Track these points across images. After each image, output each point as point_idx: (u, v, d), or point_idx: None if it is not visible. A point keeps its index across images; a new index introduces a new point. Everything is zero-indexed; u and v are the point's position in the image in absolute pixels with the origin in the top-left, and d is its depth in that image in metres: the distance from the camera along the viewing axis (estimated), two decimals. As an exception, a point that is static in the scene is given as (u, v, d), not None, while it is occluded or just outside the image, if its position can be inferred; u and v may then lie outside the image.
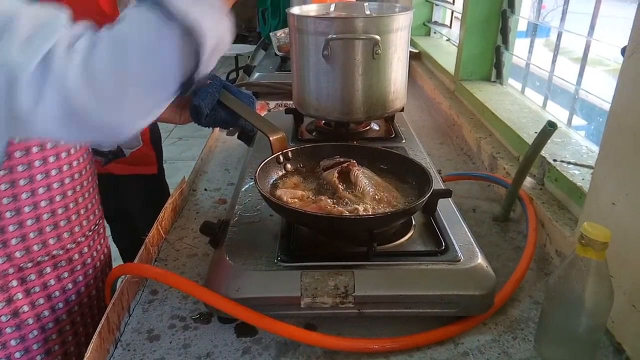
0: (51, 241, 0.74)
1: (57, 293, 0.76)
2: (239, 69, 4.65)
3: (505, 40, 1.57)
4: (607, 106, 1.20)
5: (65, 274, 0.78)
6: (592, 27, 1.13)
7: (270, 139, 0.91)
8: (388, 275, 0.72)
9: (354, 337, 0.73)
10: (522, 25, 1.65)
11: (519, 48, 1.58)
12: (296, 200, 0.81)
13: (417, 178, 0.86)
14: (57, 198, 0.67)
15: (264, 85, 1.80)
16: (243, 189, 0.95)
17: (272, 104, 1.70)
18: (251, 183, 0.96)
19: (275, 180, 0.90)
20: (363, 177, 0.84)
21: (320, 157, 0.94)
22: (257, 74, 1.88)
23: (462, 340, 0.73)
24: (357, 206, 0.76)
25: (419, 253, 0.77)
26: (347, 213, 0.75)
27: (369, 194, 0.81)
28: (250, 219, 0.86)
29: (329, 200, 0.79)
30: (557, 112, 1.41)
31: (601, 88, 1.17)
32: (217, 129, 1.56)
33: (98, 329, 0.65)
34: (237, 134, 1.28)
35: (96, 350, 0.65)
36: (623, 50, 0.79)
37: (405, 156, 0.93)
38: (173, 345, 0.72)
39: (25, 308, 0.66)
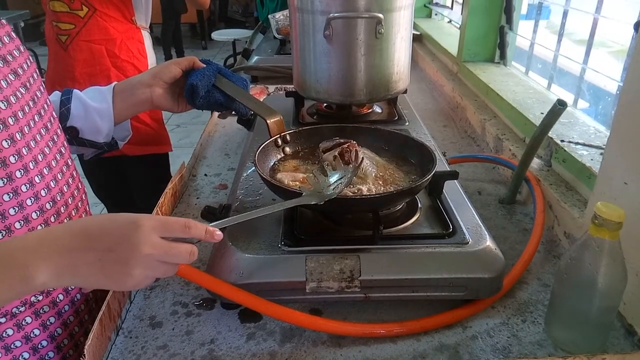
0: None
1: None
2: (236, 54, 4.60)
3: (509, 20, 1.54)
4: (611, 87, 1.17)
5: None
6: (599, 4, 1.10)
7: (268, 121, 0.89)
8: (395, 259, 0.71)
9: (360, 321, 0.72)
10: (522, 9, 1.62)
11: (520, 31, 1.55)
12: (297, 183, 0.79)
13: (420, 157, 0.84)
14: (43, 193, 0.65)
15: (263, 68, 1.77)
16: (245, 174, 0.93)
17: (271, 87, 1.67)
18: (253, 168, 0.94)
19: (275, 163, 0.88)
20: (365, 158, 0.82)
21: (319, 139, 0.92)
22: (255, 58, 1.84)
23: (471, 324, 0.72)
24: (361, 187, 0.74)
25: (426, 236, 0.75)
26: (350, 194, 0.73)
27: (371, 174, 0.79)
28: (253, 203, 0.84)
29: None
30: (561, 95, 1.38)
31: (605, 70, 1.15)
32: (215, 114, 1.54)
33: (99, 316, 0.64)
34: (237, 119, 1.26)
35: (97, 338, 0.63)
36: (636, 26, 0.77)
37: (406, 135, 0.91)
38: (176, 332, 0.71)
39: (22, 308, 0.64)
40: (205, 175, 1.18)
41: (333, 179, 0.73)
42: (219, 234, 0.58)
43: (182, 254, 0.56)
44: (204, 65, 0.92)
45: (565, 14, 1.27)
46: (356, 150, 0.80)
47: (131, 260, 0.53)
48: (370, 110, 1.22)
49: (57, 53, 1.54)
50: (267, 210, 0.64)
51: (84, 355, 0.58)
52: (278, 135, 0.90)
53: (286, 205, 0.67)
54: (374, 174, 0.79)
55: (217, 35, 5.43)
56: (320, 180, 0.73)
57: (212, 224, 0.59)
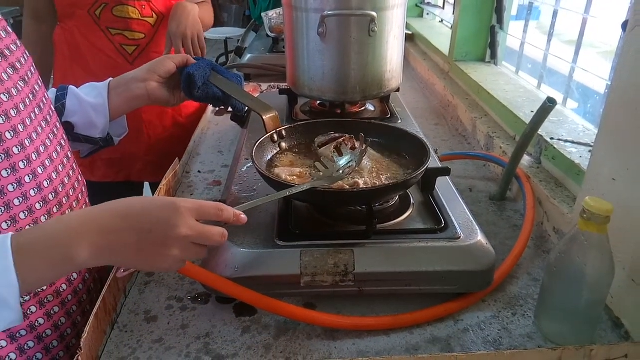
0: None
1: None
2: (228, 52, 4.59)
3: (500, 20, 1.56)
4: (599, 87, 1.20)
5: None
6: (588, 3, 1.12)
7: (264, 117, 0.90)
8: (388, 253, 0.72)
9: (354, 315, 0.72)
10: (512, 10, 1.64)
11: (510, 32, 1.57)
12: (295, 177, 0.80)
13: (414, 150, 0.85)
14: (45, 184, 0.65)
15: (256, 66, 1.77)
16: (242, 169, 0.94)
17: (264, 85, 1.68)
18: (248, 164, 0.95)
19: (271, 158, 0.89)
20: (359, 151, 0.83)
21: (315, 134, 0.93)
22: (248, 56, 1.85)
23: (462, 317, 0.73)
24: (357, 180, 0.75)
25: (419, 231, 0.76)
26: (347, 187, 0.74)
27: (367, 167, 0.80)
28: (247, 199, 0.84)
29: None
30: (551, 94, 1.40)
31: (594, 70, 1.17)
32: (209, 112, 1.54)
33: (94, 310, 0.64)
34: (230, 116, 1.26)
35: (93, 332, 0.63)
36: (624, 25, 0.78)
37: (400, 129, 0.92)
38: (171, 326, 0.71)
39: (27, 297, 0.65)
40: (199, 172, 1.19)
41: (341, 163, 0.76)
42: (244, 217, 0.62)
43: (215, 236, 0.59)
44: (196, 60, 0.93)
45: (555, 13, 1.29)
46: (361, 135, 0.81)
47: (169, 241, 0.55)
48: (363, 108, 1.23)
49: (114, 67, 1.34)
50: (285, 193, 0.68)
51: (81, 348, 0.59)
52: (274, 131, 0.90)
53: (301, 188, 0.69)
54: (369, 167, 0.80)
55: (208, 33, 5.41)
56: (329, 166, 0.74)
57: (238, 207, 0.62)
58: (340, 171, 0.75)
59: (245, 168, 0.94)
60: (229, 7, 6.62)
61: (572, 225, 0.64)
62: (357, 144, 0.83)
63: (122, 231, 0.54)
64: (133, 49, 1.37)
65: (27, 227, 0.62)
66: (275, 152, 0.91)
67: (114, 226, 0.54)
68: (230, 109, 1.00)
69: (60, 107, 0.83)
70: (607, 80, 1.08)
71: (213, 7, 1.66)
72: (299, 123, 0.96)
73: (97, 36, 1.35)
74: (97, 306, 0.65)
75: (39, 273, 0.53)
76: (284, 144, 0.92)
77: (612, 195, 0.71)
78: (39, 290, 0.64)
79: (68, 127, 0.84)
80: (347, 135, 0.86)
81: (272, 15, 1.92)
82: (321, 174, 0.76)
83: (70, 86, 0.87)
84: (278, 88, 1.51)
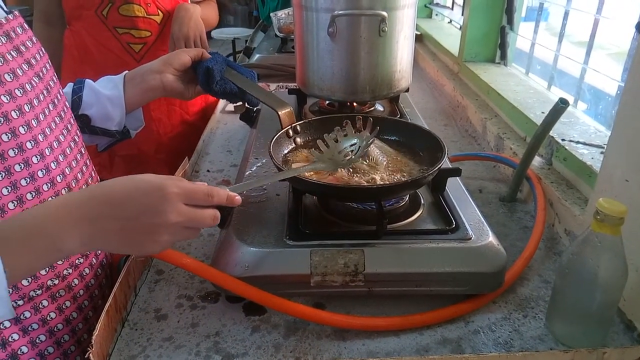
0: None
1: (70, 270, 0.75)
2: (236, 53, 4.60)
3: (510, 21, 1.55)
4: (610, 88, 1.19)
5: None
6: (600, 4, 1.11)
7: (279, 113, 0.90)
8: (398, 254, 0.71)
9: (364, 315, 0.72)
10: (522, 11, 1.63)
11: (520, 33, 1.56)
12: (311, 173, 0.80)
13: (428, 147, 0.85)
14: (58, 179, 0.66)
15: (265, 66, 1.77)
16: (251, 169, 0.94)
17: (273, 86, 1.68)
18: (258, 164, 0.95)
19: (286, 154, 0.89)
20: (375, 147, 0.83)
21: (330, 129, 0.93)
22: (257, 56, 1.85)
23: (473, 319, 0.72)
24: (374, 176, 0.75)
25: (430, 231, 0.76)
26: (364, 183, 0.74)
27: (382, 164, 0.80)
28: (257, 198, 0.85)
29: (343, 171, 0.78)
30: (561, 96, 1.39)
31: (604, 72, 1.16)
32: (218, 111, 1.54)
33: (105, 308, 0.64)
34: (239, 115, 1.27)
35: (104, 329, 0.64)
36: (638, 26, 0.78)
37: (415, 125, 0.92)
38: (181, 324, 0.71)
39: (39, 292, 0.65)
40: (208, 171, 1.19)
41: (345, 144, 0.74)
42: (238, 199, 0.60)
43: (207, 220, 0.58)
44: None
45: (566, 14, 1.28)
46: (370, 120, 0.80)
47: (159, 228, 0.54)
48: (372, 108, 1.22)
49: (122, 65, 1.29)
50: (282, 175, 0.68)
51: (92, 345, 0.59)
52: (290, 126, 0.90)
53: (300, 171, 0.69)
54: (385, 163, 0.80)
55: (216, 33, 5.43)
56: (331, 145, 0.73)
57: (230, 187, 0.61)
58: (342, 154, 0.72)
59: (255, 167, 0.94)
60: (235, 7, 6.65)
61: (583, 227, 0.63)
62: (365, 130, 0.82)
63: (106, 219, 0.53)
64: (140, 47, 1.38)
65: None
66: (290, 147, 0.91)
67: (97, 214, 0.53)
68: (247, 105, 1.00)
69: (77, 99, 0.85)
70: (619, 81, 1.07)
71: (218, 6, 1.67)
72: (313, 118, 0.96)
73: (105, 36, 1.36)
74: (108, 304, 0.65)
75: (23, 263, 0.51)
76: (299, 139, 0.92)
77: (624, 197, 0.70)
78: (51, 284, 0.65)
79: (85, 120, 0.86)
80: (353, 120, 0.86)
81: (280, 16, 1.92)
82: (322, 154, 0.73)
83: (87, 80, 0.88)
84: (287, 88, 1.51)
